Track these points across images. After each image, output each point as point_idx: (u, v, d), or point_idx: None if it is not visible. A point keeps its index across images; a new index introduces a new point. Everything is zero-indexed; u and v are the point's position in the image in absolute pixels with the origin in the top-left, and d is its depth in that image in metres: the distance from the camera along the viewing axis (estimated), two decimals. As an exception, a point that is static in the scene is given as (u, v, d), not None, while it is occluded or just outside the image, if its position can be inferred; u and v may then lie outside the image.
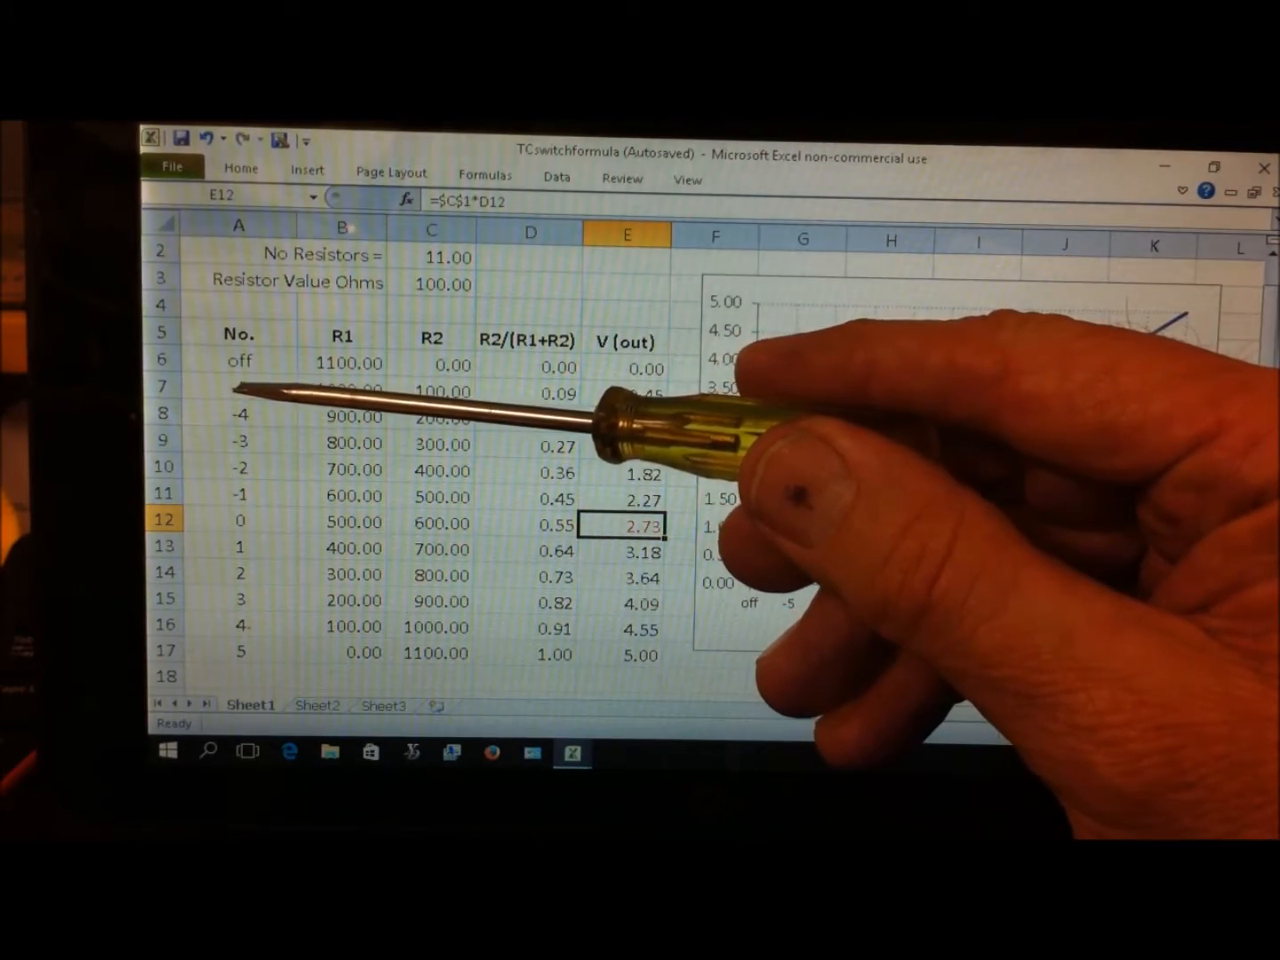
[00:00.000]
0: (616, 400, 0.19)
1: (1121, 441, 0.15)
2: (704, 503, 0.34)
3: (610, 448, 0.19)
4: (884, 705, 0.19)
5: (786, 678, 0.19)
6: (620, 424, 0.19)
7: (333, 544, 0.34)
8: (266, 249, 0.32)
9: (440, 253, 0.33)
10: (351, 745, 0.34)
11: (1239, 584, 0.15)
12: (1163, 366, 0.15)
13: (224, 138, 0.32)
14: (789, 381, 0.18)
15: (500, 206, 0.33)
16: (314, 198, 0.32)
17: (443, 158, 0.32)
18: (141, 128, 0.32)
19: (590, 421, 0.19)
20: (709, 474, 0.18)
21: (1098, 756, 0.14)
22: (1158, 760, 0.14)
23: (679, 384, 0.33)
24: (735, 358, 0.19)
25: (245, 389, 0.21)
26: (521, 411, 0.20)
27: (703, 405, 0.18)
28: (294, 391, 0.20)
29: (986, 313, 0.17)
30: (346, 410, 0.33)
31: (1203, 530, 0.15)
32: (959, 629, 0.15)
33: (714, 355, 0.33)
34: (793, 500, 0.17)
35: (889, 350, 0.17)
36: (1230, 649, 0.15)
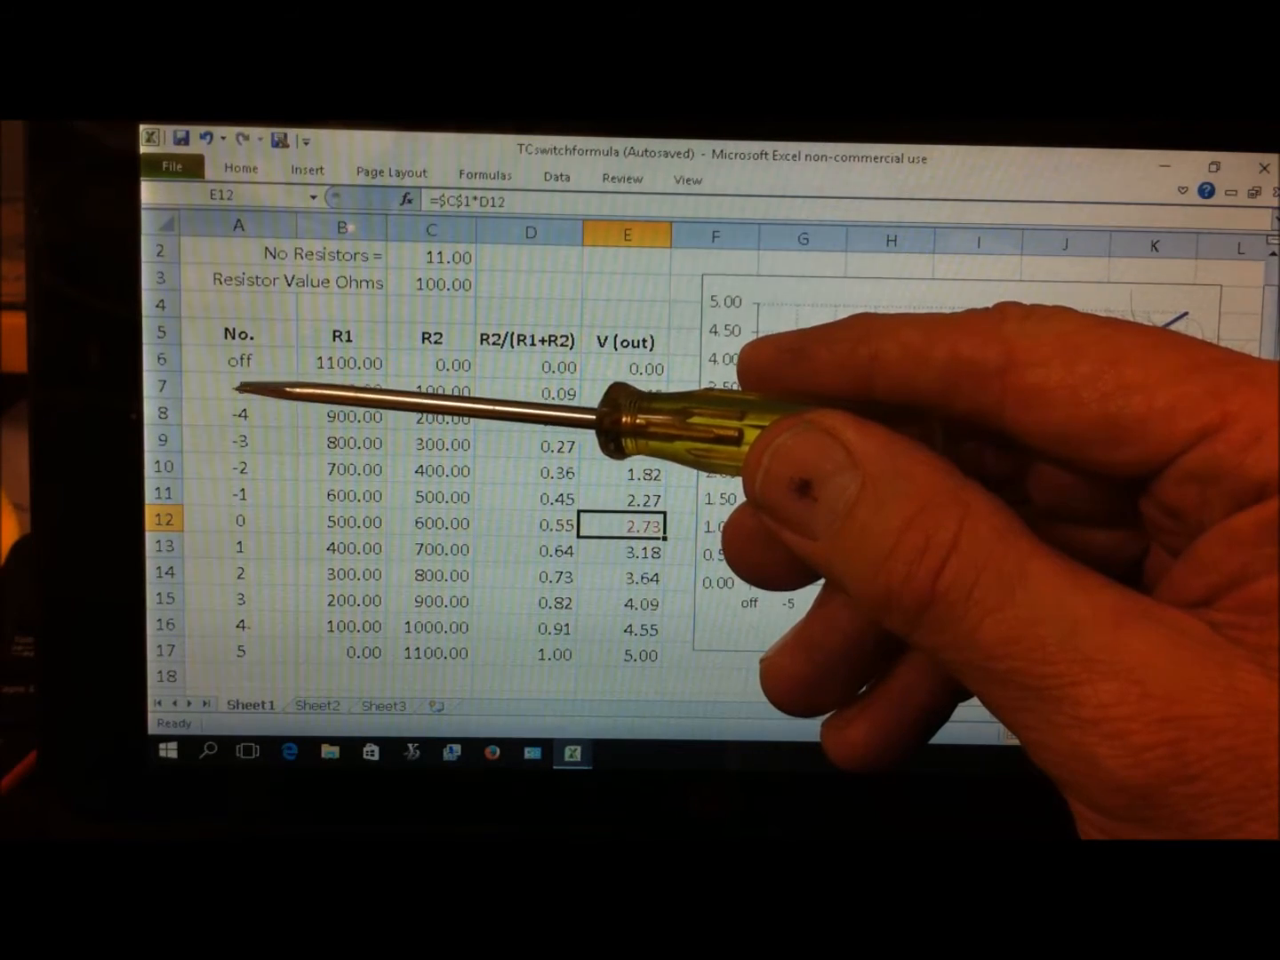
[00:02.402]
0: (619, 395, 0.19)
1: (1125, 434, 0.15)
2: (704, 503, 0.34)
3: (614, 443, 0.19)
4: (890, 705, 0.19)
5: (791, 677, 0.19)
6: (624, 419, 0.19)
7: (333, 544, 0.33)
8: (266, 249, 0.32)
9: (440, 253, 0.33)
10: (351, 745, 0.34)
11: (1242, 578, 0.15)
12: (1167, 359, 0.15)
13: (224, 138, 0.32)
14: (792, 377, 0.18)
15: (500, 206, 0.33)
16: (314, 198, 0.32)
17: (443, 158, 0.32)
18: (141, 128, 0.32)
19: (593, 417, 0.19)
20: (713, 469, 0.18)
21: (1102, 749, 0.14)
22: (1162, 753, 0.14)
23: (679, 384, 0.33)
24: (737, 353, 0.19)
25: (247, 388, 0.21)
26: (524, 408, 0.20)
27: (706, 400, 0.18)
28: (297, 390, 0.20)
29: (989, 305, 0.17)
30: (347, 410, 0.33)
31: (1205, 524, 0.15)
32: (964, 621, 0.15)
33: (714, 355, 0.33)
34: (797, 492, 0.17)
35: (892, 344, 0.17)
36: (1235, 643, 0.15)
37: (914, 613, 0.16)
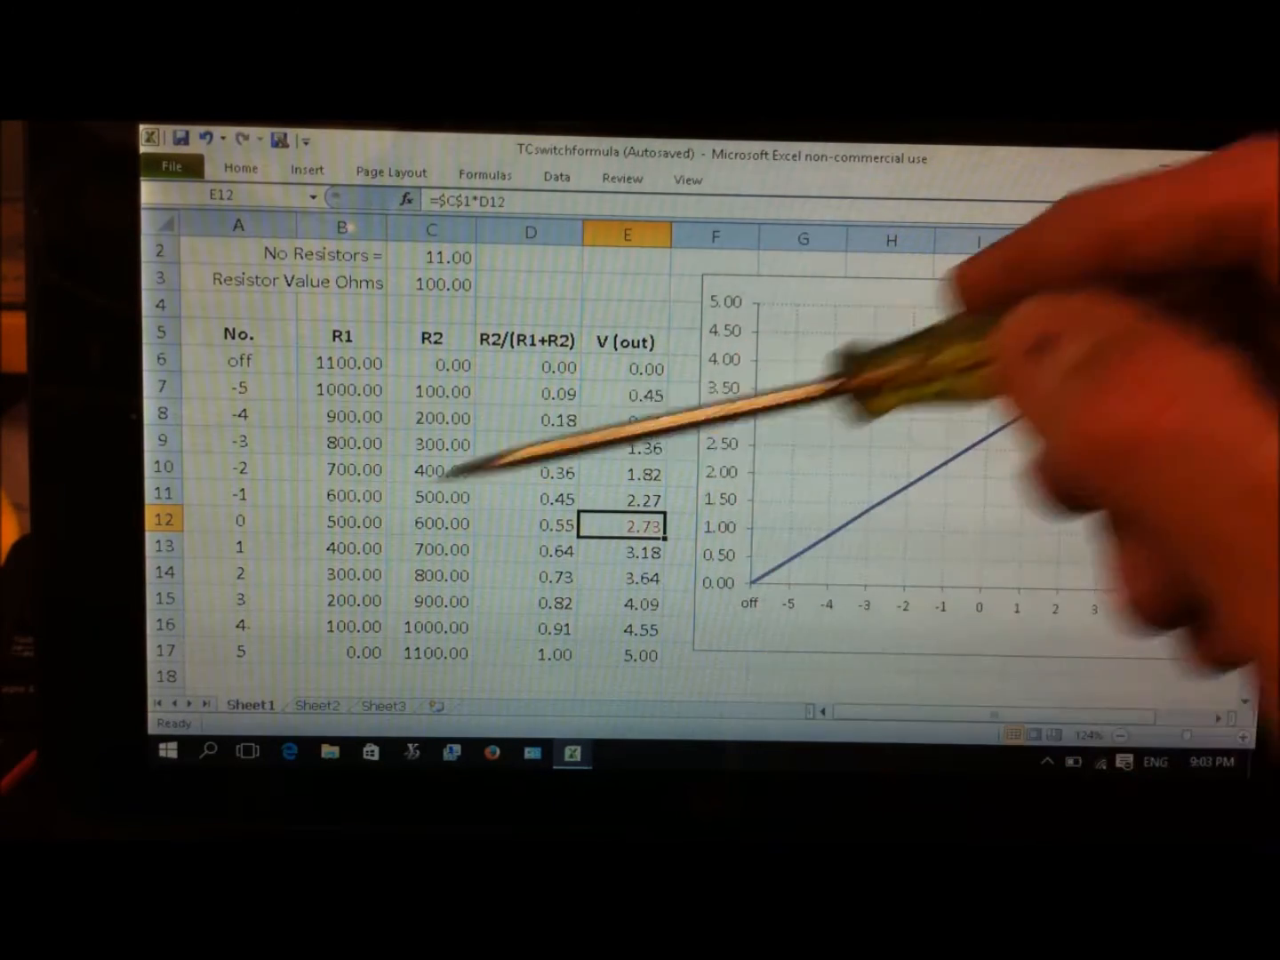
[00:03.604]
0: (852, 358, 0.18)
1: None
2: (704, 503, 0.34)
3: (863, 404, 0.18)
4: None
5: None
6: (870, 377, 0.18)
7: (333, 544, 0.33)
8: (266, 249, 0.32)
9: (440, 253, 0.33)
10: (351, 745, 0.34)
11: None
12: None
13: (224, 137, 0.32)
14: (1021, 282, 0.17)
15: (500, 206, 0.33)
16: (314, 197, 0.32)
17: (442, 157, 0.32)
18: (141, 128, 0.32)
19: (837, 385, 0.18)
20: (960, 399, 0.17)
21: None
22: None
23: (679, 384, 0.33)
24: (950, 276, 0.18)
25: (460, 471, 0.20)
26: (755, 402, 0.18)
27: (942, 333, 0.18)
28: (508, 459, 0.19)
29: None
30: (347, 410, 0.33)
31: None
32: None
33: (714, 355, 0.33)
34: (1032, 353, 0.16)
35: (1136, 212, 0.16)
36: None
37: (1124, 460, 0.14)
